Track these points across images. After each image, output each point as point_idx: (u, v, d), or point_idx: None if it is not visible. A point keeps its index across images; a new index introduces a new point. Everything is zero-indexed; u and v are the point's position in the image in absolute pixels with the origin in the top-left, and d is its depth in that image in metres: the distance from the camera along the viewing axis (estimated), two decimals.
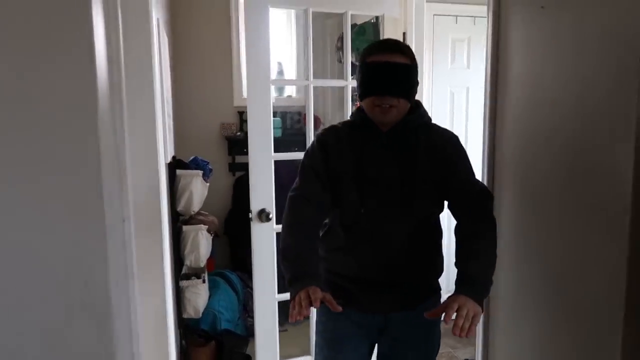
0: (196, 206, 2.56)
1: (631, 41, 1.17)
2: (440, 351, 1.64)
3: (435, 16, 3.00)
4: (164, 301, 2.14)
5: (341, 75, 2.53)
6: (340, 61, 3.09)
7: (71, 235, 0.89)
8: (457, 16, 3.03)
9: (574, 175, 1.40)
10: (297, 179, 1.50)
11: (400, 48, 1.42)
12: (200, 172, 2.52)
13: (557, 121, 1.46)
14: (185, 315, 2.56)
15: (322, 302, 1.27)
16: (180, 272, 2.61)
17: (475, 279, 1.30)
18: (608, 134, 1.27)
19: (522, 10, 1.61)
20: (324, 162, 1.46)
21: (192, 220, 2.64)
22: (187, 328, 2.66)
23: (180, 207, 2.51)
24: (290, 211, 1.45)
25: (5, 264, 0.87)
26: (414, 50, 2.55)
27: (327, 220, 1.54)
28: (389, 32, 2.51)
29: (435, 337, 1.58)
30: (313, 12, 2.31)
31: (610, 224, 1.25)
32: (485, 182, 1.83)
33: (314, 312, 2.06)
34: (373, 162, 1.43)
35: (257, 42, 2.24)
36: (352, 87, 2.39)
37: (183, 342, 2.70)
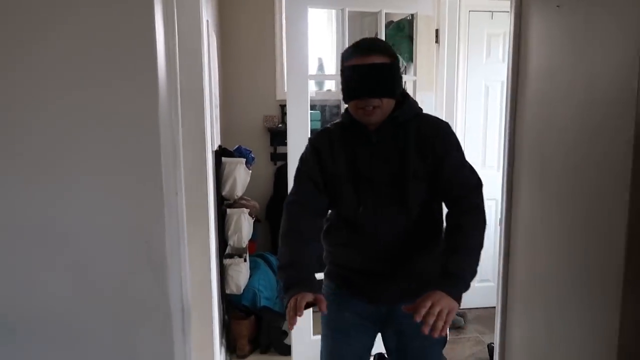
0: (239, 191, 2.78)
1: (632, 36, 1.27)
2: (468, 335, 1.72)
3: (470, 12, 3.08)
4: (209, 275, 2.38)
5: None
6: None
7: (137, 204, 1.12)
8: (492, 12, 3.10)
9: (584, 164, 1.50)
10: (293, 185, 1.54)
11: (376, 48, 1.40)
12: (243, 160, 2.75)
13: (570, 113, 1.56)
14: (228, 291, 2.80)
15: (312, 304, 1.30)
16: (224, 252, 2.86)
17: (454, 274, 1.29)
18: (613, 124, 1.36)
19: (541, 9, 1.71)
20: (318, 165, 1.48)
21: (235, 204, 2.87)
22: (229, 303, 2.90)
23: (225, 192, 2.75)
24: (286, 218, 1.47)
25: (87, 227, 1.10)
26: (446, 45, 2.69)
27: (329, 216, 1.58)
28: (422, 29, 2.63)
29: None
30: (350, 11, 2.46)
31: (612, 213, 1.36)
32: (504, 173, 1.94)
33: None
34: (365, 161, 1.44)
35: (296, 40, 2.42)
36: None
37: (226, 316, 2.95)
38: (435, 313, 1.18)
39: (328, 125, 1.57)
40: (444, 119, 1.70)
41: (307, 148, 1.54)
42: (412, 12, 2.59)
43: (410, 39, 2.79)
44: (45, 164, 1.08)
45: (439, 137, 1.42)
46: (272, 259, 3.29)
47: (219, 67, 3.15)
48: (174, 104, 1.28)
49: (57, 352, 1.14)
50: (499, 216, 2.05)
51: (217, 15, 3.21)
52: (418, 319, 1.18)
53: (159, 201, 1.14)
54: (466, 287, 1.29)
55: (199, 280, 2.29)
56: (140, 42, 1.07)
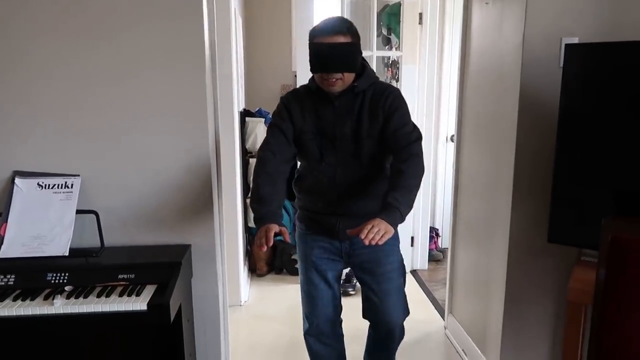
0: (260, 144, 3.47)
1: (519, 27, 1.87)
2: (444, 266, 2.21)
3: None
4: (235, 211, 3.08)
5: (379, 47, 3.28)
6: (378, 35, 3.81)
7: (192, 140, 1.82)
8: None
9: (496, 118, 2.13)
10: (266, 135, 1.75)
11: (340, 29, 1.59)
12: (262, 120, 3.43)
13: (490, 82, 2.18)
14: (250, 225, 3.53)
15: (279, 234, 1.55)
16: (247, 193, 3.57)
17: (391, 205, 1.52)
18: (511, 88, 1.98)
19: (478, 5, 2.30)
20: (290, 121, 1.69)
21: (256, 155, 3.57)
22: (251, 234, 3.64)
23: (248, 145, 3.44)
24: (258, 162, 1.72)
25: (163, 150, 1.81)
26: (428, 25, 3.26)
27: (298, 167, 1.83)
28: (408, 12, 3.22)
29: (396, 255, 1.83)
30: None
31: (507, 150, 1.99)
32: (455, 132, 2.57)
33: None
34: (328, 122, 1.68)
35: (304, 21, 3.05)
36: (377, 57, 3.14)
37: (248, 246, 3.69)
38: (374, 231, 1.44)
39: (298, 88, 1.83)
40: (396, 87, 2.05)
41: (280, 105, 1.76)
42: (399, 0, 3.18)
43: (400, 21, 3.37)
44: (138, 113, 1.79)
45: (388, 100, 1.66)
46: (287, 203, 4.00)
47: (243, 43, 3.80)
48: (214, 76, 1.96)
49: (145, 235, 1.86)
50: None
51: (242, 0, 3.84)
52: (362, 236, 1.44)
53: (205, 140, 1.85)
54: (401, 217, 1.53)
55: (228, 213, 2.98)
56: (192, 30, 1.76)
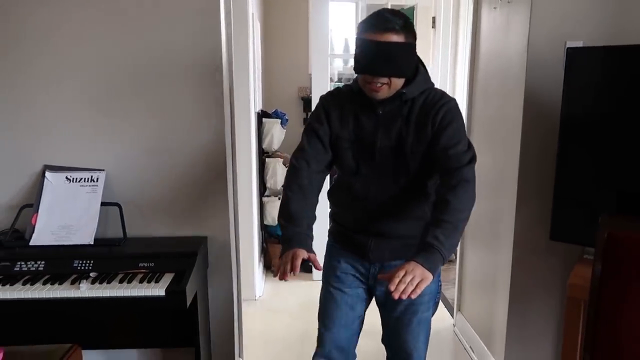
0: (275, 145, 3.58)
1: (524, 31, 1.93)
2: (456, 266, 2.20)
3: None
4: (251, 209, 3.19)
5: None
6: None
7: (210, 136, 1.93)
8: None
9: (502, 114, 2.19)
10: (302, 139, 1.55)
11: (394, 25, 1.34)
12: (279, 120, 3.53)
13: (497, 82, 2.24)
14: (265, 222, 3.64)
15: (307, 260, 1.36)
16: (264, 192, 3.68)
17: (432, 246, 1.29)
18: (516, 88, 2.03)
19: (486, 10, 2.36)
20: (327, 125, 1.50)
21: (272, 155, 3.68)
22: (267, 232, 3.74)
23: (264, 145, 3.55)
24: (291, 172, 1.52)
25: (185, 148, 1.93)
26: (441, 29, 3.33)
27: (335, 176, 1.65)
28: (421, 16, 3.29)
29: (432, 285, 1.38)
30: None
31: (514, 143, 2.05)
32: (466, 126, 2.63)
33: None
34: (368, 131, 1.46)
35: (319, 28, 3.15)
36: None
37: (264, 244, 3.80)
38: (407, 281, 1.21)
39: (340, 87, 1.61)
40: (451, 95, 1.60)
41: (318, 106, 1.56)
42: (413, 4, 3.25)
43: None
44: (158, 113, 1.91)
45: (440, 112, 1.42)
46: None
47: (261, 47, 3.92)
48: (230, 77, 2.07)
49: (164, 226, 1.98)
50: None
51: (261, 6, 3.97)
52: (392, 287, 1.21)
53: (221, 137, 1.95)
54: (443, 260, 1.29)
55: (244, 211, 3.09)
56: (210, 34, 1.87)
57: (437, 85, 1.51)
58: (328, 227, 1.70)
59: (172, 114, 1.92)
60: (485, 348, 2.38)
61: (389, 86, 1.39)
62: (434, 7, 3.27)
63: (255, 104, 3.33)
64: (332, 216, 1.67)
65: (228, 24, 2.00)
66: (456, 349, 2.67)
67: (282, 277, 1.34)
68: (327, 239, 1.69)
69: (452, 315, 2.98)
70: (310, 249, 1.39)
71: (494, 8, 2.24)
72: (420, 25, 3.30)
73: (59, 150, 1.93)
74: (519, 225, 2.04)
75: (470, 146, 1.45)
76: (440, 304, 3.17)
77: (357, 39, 1.40)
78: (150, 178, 1.95)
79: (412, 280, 1.22)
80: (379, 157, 1.47)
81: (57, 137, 1.92)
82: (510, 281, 2.09)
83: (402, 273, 1.23)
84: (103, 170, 1.93)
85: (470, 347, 2.59)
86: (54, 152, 1.93)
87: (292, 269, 1.33)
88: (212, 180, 1.97)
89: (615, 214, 1.60)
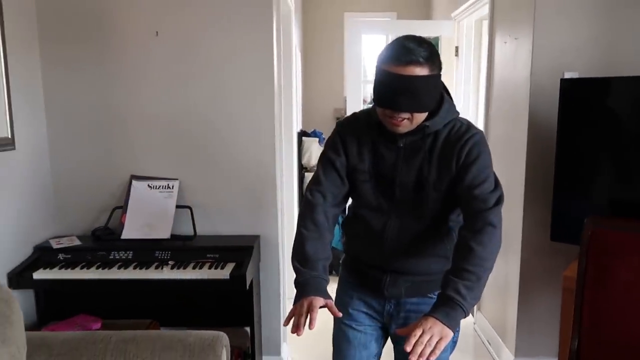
0: (313, 161, 4.00)
1: (527, 62, 2.29)
2: None
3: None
4: (293, 215, 3.57)
5: None
6: None
7: (261, 149, 2.35)
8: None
9: (511, 130, 2.53)
10: (317, 169, 1.46)
11: (417, 58, 1.22)
12: (317, 139, 3.96)
13: (508, 105, 2.59)
14: None
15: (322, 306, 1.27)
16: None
17: (452, 301, 1.20)
18: (522, 111, 2.37)
19: (499, 44, 2.72)
20: (344, 155, 1.42)
21: (310, 169, 4.10)
22: None
23: (304, 161, 3.98)
24: (306, 206, 1.42)
25: (240, 158, 2.36)
26: (463, 58, 3.68)
27: (349, 206, 1.55)
28: (445, 46, 3.66)
29: None
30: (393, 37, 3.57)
31: (520, 151, 2.38)
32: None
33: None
34: (388, 164, 1.38)
35: (353, 57, 3.58)
36: None
37: None
38: (424, 342, 1.13)
39: (357, 113, 1.51)
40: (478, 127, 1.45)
41: (334, 135, 1.46)
42: (437, 35, 3.64)
43: None
44: (222, 133, 2.36)
45: (466, 147, 1.32)
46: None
47: (302, 73, 4.39)
48: (279, 102, 2.50)
49: (225, 226, 2.40)
50: None
51: (302, 37, 4.46)
52: (408, 348, 1.13)
53: (272, 152, 2.38)
54: (465, 314, 1.21)
55: (288, 217, 3.47)
56: (265, 65, 2.31)
57: (459, 109, 1.42)
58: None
59: (233, 135, 2.36)
60: (500, 341, 2.68)
61: (410, 121, 1.30)
62: (457, 38, 3.64)
63: (297, 124, 3.77)
64: (345, 247, 1.57)
65: (279, 58, 2.44)
66: (475, 343, 2.97)
67: (296, 331, 1.22)
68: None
69: (472, 315, 3.27)
70: (327, 295, 1.31)
71: (504, 42, 2.60)
72: (445, 54, 3.68)
73: (142, 163, 2.39)
74: (525, 230, 2.37)
75: (497, 185, 1.34)
76: None
77: (378, 69, 1.29)
78: (215, 186, 2.38)
79: (430, 340, 1.13)
80: (399, 193, 1.38)
81: (141, 152, 2.39)
82: (519, 280, 2.41)
83: (419, 332, 1.14)
84: (177, 179, 2.37)
85: (487, 341, 2.88)
86: (139, 164, 2.39)
87: (310, 322, 1.23)
88: (264, 188, 2.39)
89: (598, 215, 1.91)
